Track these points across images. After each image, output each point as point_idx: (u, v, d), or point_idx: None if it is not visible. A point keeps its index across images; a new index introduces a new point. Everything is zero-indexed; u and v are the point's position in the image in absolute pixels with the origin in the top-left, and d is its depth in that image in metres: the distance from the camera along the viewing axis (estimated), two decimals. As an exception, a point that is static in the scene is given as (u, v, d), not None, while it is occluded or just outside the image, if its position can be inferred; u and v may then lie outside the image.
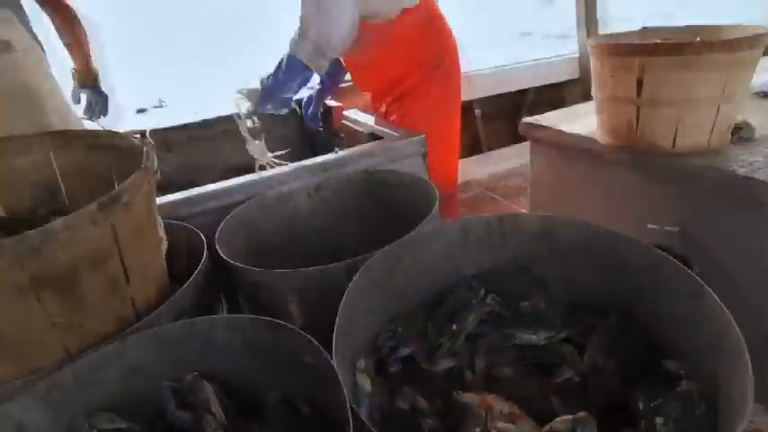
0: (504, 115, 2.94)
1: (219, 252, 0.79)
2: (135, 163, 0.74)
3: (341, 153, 1.16)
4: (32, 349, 0.55)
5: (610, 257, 0.68)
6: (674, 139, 1.17)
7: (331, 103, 1.70)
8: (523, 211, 2.45)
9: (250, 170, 1.88)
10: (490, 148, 2.93)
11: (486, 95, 2.72)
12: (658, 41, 1.15)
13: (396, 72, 1.51)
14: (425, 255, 0.74)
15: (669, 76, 1.11)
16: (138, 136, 1.66)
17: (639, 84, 1.15)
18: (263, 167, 1.44)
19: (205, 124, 1.80)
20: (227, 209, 1.00)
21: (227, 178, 1.85)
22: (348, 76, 1.73)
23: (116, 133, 0.77)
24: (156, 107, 1.99)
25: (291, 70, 1.34)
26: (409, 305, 0.73)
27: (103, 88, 1.67)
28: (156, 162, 0.66)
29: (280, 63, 1.37)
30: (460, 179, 2.70)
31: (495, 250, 0.75)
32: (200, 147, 1.90)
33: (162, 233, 0.74)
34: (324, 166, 1.11)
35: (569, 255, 0.72)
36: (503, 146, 2.95)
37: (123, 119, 1.88)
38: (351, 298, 0.60)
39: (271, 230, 1.04)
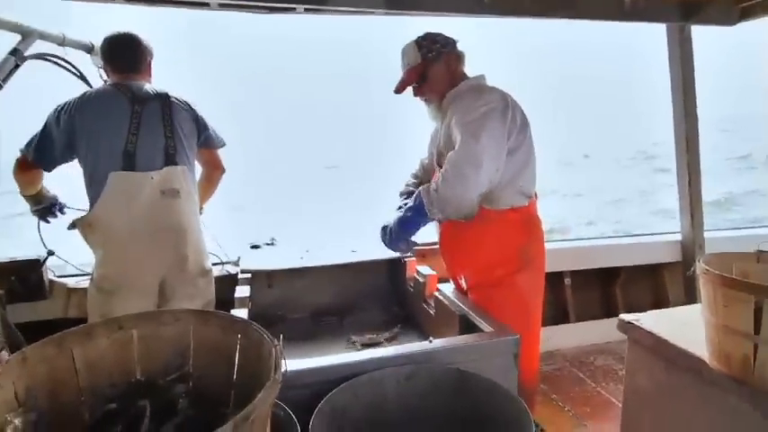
0: (595, 287, 2.86)
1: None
2: (259, 353, 0.83)
3: (435, 343, 1.19)
4: None
5: None
6: (802, 386, 1.06)
7: (426, 270, 1.79)
8: (614, 401, 2.25)
9: (337, 314, 2.00)
10: (578, 319, 2.81)
11: (577, 269, 2.69)
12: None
13: (486, 260, 1.58)
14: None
15: (793, 320, 1.05)
16: (249, 275, 1.86)
17: (757, 319, 1.09)
18: None
19: (304, 270, 1.97)
20: (318, 386, 1.05)
21: (315, 319, 1.99)
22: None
23: (250, 324, 0.87)
24: (268, 244, 2.22)
25: (416, 208, 1.51)
26: None
27: None
28: (282, 370, 0.73)
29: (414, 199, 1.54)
30: (544, 348, 2.59)
31: None
32: (297, 285, 2.06)
33: (268, 429, 0.79)
34: (414, 357, 1.14)
35: None
36: (591, 317, 2.82)
37: (239, 253, 2.11)
38: None
39: (358, 415, 1.06)
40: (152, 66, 1.85)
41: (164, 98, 1.72)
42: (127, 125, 1.62)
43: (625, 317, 1.57)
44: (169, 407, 0.85)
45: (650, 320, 1.52)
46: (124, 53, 1.76)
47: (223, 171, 1.94)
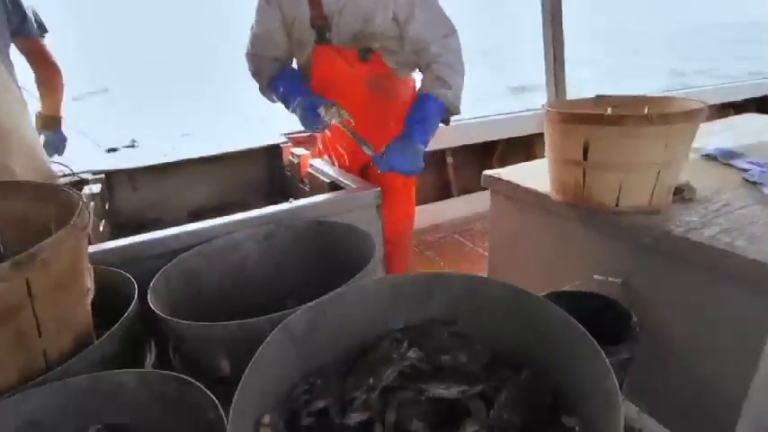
0: (474, 163, 3.03)
1: (149, 302, 0.80)
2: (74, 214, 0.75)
3: (295, 203, 1.18)
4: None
5: (526, 317, 0.70)
6: (618, 198, 1.22)
7: (300, 151, 1.75)
8: (487, 254, 2.49)
9: (217, 211, 1.91)
10: (460, 193, 3.00)
11: (457, 146, 2.80)
12: (604, 113, 1.21)
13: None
14: (353, 310, 0.75)
15: (612, 144, 1.17)
16: (103, 176, 1.69)
17: (585, 149, 1.21)
18: None
19: (172, 165, 1.83)
20: (173, 255, 1.01)
21: (194, 218, 1.89)
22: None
23: (57, 186, 0.78)
24: (127, 147, 2.01)
25: (435, 110, 1.45)
26: (333, 358, 0.73)
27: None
28: (88, 217, 0.67)
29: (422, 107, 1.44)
30: (430, 222, 2.75)
31: (423, 307, 0.77)
32: (167, 184, 1.91)
33: (90, 284, 0.74)
34: (276, 216, 1.13)
35: (492, 313, 0.74)
36: (473, 191, 3.02)
37: (93, 156, 1.90)
38: (264, 354, 0.61)
39: (215, 278, 1.05)
40: None
41: None
42: None
43: (488, 172, 1.68)
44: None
45: (508, 173, 1.65)
46: None
47: (53, 65, 1.64)
